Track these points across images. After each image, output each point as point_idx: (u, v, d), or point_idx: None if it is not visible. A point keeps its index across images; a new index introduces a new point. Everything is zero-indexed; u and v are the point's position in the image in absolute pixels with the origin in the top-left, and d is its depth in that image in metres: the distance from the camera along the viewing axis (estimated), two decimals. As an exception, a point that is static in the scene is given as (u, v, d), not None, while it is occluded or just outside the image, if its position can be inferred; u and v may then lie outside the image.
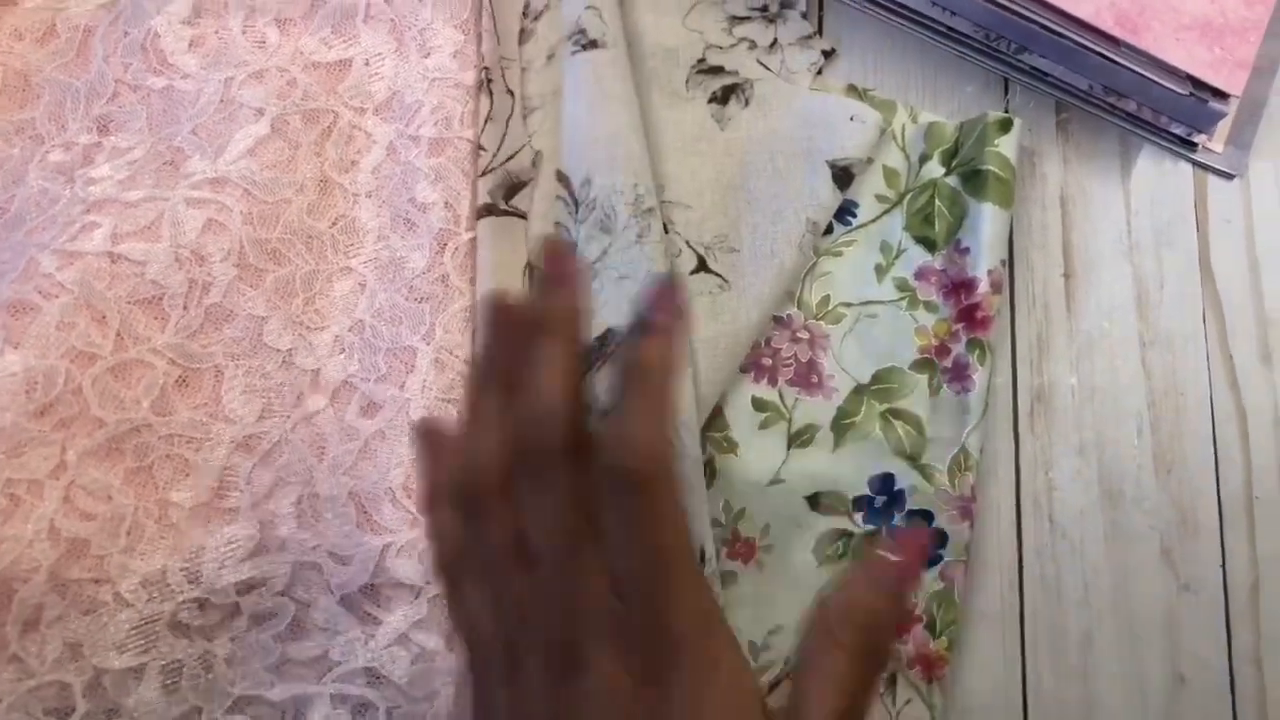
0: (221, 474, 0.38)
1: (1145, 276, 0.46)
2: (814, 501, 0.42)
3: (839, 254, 0.45)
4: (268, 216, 0.40)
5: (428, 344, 0.40)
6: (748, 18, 0.48)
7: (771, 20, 0.48)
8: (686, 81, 0.47)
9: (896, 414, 0.43)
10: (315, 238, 0.41)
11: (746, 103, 0.46)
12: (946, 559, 0.41)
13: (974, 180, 0.44)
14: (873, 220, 0.45)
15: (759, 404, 0.43)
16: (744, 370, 0.43)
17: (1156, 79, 0.45)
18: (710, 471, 0.42)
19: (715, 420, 0.43)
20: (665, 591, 0.29)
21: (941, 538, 0.41)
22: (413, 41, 0.43)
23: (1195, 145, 0.48)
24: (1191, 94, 0.45)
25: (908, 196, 0.46)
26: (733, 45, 0.47)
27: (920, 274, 0.44)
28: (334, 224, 0.41)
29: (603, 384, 0.31)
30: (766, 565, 0.42)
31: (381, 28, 0.43)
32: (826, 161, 0.45)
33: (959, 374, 0.43)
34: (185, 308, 0.38)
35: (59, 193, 0.40)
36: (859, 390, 0.43)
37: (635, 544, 0.29)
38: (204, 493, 0.37)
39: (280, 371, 0.39)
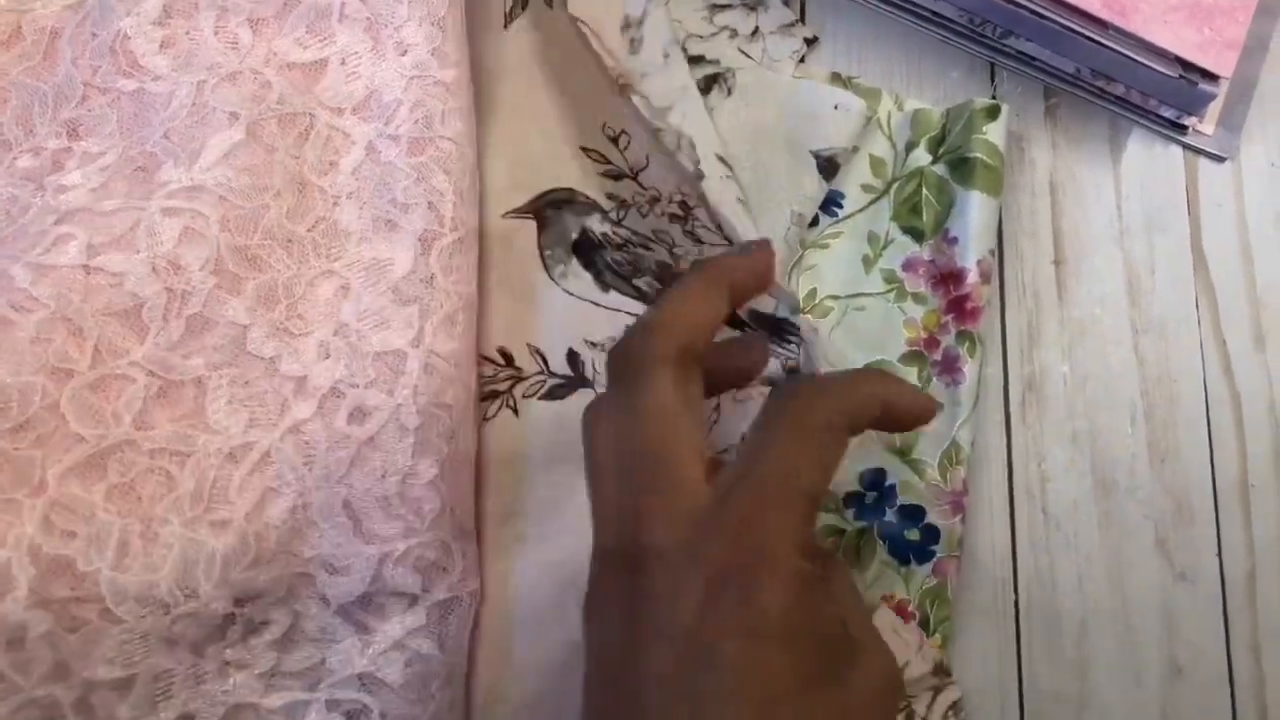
0: (210, 487, 0.37)
1: (1136, 262, 0.46)
2: (805, 498, 0.42)
3: (825, 246, 0.45)
4: (245, 222, 0.39)
5: (416, 348, 0.39)
6: (728, 5, 0.47)
7: (753, 8, 0.47)
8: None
9: (887, 408, 0.42)
10: (295, 242, 0.40)
11: (729, 92, 0.46)
12: (939, 554, 0.41)
13: (961, 168, 0.44)
14: (859, 211, 0.45)
15: (748, 401, 0.43)
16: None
17: (1145, 61, 0.44)
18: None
19: (705, 418, 0.42)
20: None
21: (934, 533, 0.41)
22: (389, 39, 0.42)
23: (1185, 128, 0.47)
24: (1181, 76, 0.44)
25: (894, 186, 0.45)
26: (714, 34, 0.47)
27: (908, 265, 0.44)
28: (314, 227, 0.40)
29: None
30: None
31: (357, 26, 0.42)
32: (811, 151, 0.44)
33: (949, 366, 0.42)
34: (165, 319, 0.38)
35: (29, 201, 0.39)
36: (849, 384, 0.43)
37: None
38: (192, 506, 0.37)
39: (265, 380, 0.38)
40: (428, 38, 0.42)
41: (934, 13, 0.47)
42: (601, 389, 0.42)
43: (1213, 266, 0.46)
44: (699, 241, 0.43)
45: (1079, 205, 0.46)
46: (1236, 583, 0.43)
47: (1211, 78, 0.44)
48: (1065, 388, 0.44)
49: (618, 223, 0.44)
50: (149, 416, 0.37)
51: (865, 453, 0.42)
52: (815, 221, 0.45)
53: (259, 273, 0.39)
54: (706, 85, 0.46)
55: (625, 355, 0.31)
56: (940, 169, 0.44)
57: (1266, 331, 0.45)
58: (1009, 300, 0.45)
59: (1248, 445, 0.44)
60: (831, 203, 0.45)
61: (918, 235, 0.44)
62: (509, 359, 0.42)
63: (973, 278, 0.42)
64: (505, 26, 0.46)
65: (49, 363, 0.36)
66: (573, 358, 0.42)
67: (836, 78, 0.47)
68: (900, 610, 0.40)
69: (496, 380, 0.42)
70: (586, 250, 0.43)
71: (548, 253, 0.43)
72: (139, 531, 0.36)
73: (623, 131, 0.45)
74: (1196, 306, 0.46)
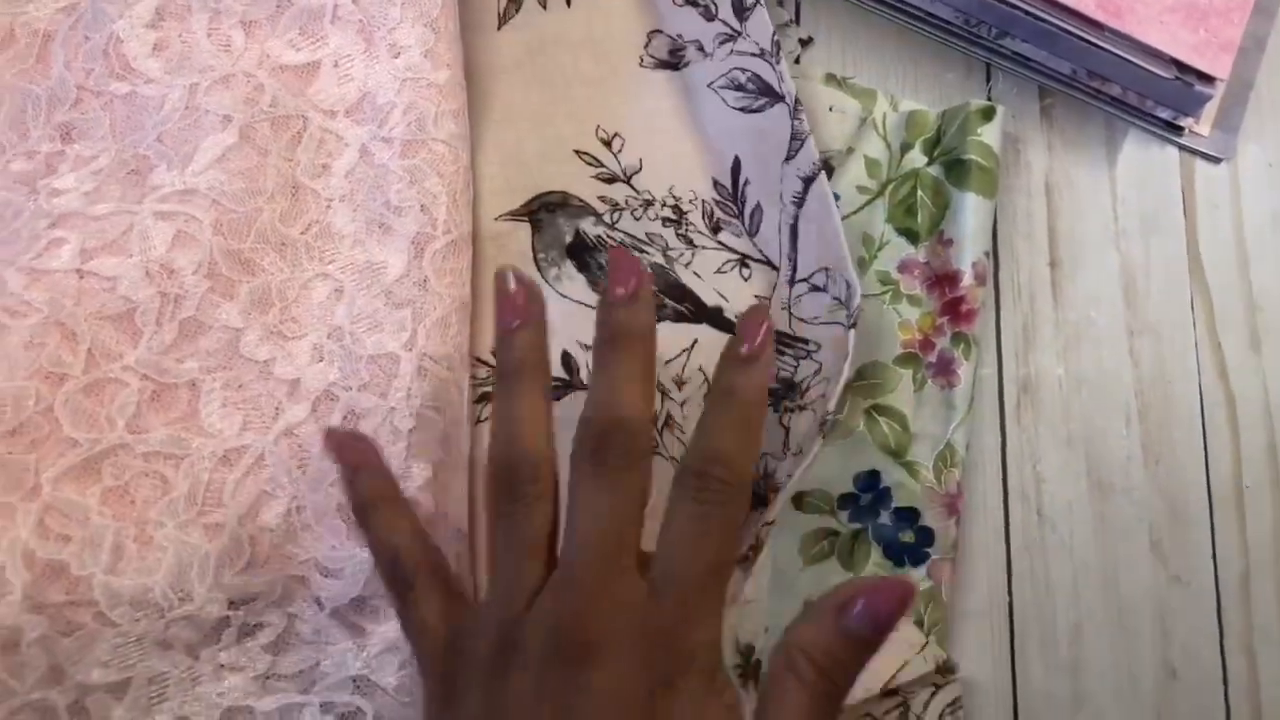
0: (204, 490, 0.37)
1: (1132, 264, 0.46)
2: (797, 500, 0.42)
3: (821, 247, 0.44)
4: (238, 226, 0.39)
5: (409, 351, 0.39)
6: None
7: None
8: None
9: (881, 410, 0.42)
10: (288, 245, 0.40)
11: (725, 95, 0.46)
12: (934, 557, 0.41)
13: (956, 170, 0.44)
14: (854, 212, 0.45)
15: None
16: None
17: (1140, 63, 0.44)
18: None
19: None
20: (704, 605, 0.31)
21: (928, 535, 0.41)
22: (382, 41, 0.42)
23: (1182, 129, 0.47)
24: (1176, 78, 0.44)
25: (889, 187, 0.45)
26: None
27: (903, 267, 0.44)
28: (307, 230, 0.40)
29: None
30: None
31: (350, 28, 0.42)
32: (806, 154, 0.44)
33: (944, 369, 0.42)
34: (158, 323, 0.38)
35: (22, 204, 0.39)
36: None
37: (699, 551, 0.31)
38: (186, 509, 0.37)
39: (259, 383, 0.38)
40: (421, 39, 0.42)
41: (929, 14, 0.47)
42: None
43: (1208, 269, 0.46)
44: (692, 244, 0.43)
45: (1074, 207, 0.46)
46: (1231, 585, 0.43)
47: (1207, 79, 0.44)
48: (1060, 390, 0.44)
49: (611, 225, 0.44)
50: (142, 420, 0.37)
51: (860, 455, 0.42)
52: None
53: (252, 276, 0.39)
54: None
55: None
56: (935, 171, 0.44)
57: (1262, 334, 0.45)
58: (1004, 302, 0.45)
59: (1243, 447, 0.44)
60: (826, 204, 0.45)
61: (913, 237, 0.44)
62: (503, 362, 0.42)
63: (968, 280, 0.42)
64: (499, 27, 0.46)
65: (42, 367, 0.36)
66: (566, 360, 0.42)
67: (831, 78, 0.46)
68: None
69: (490, 383, 0.42)
70: (580, 253, 0.43)
71: (541, 255, 0.43)
72: (133, 535, 0.36)
73: (616, 134, 0.45)
74: (1192, 308, 0.46)
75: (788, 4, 0.48)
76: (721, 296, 0.43)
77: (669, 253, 0.43)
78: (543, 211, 0.44)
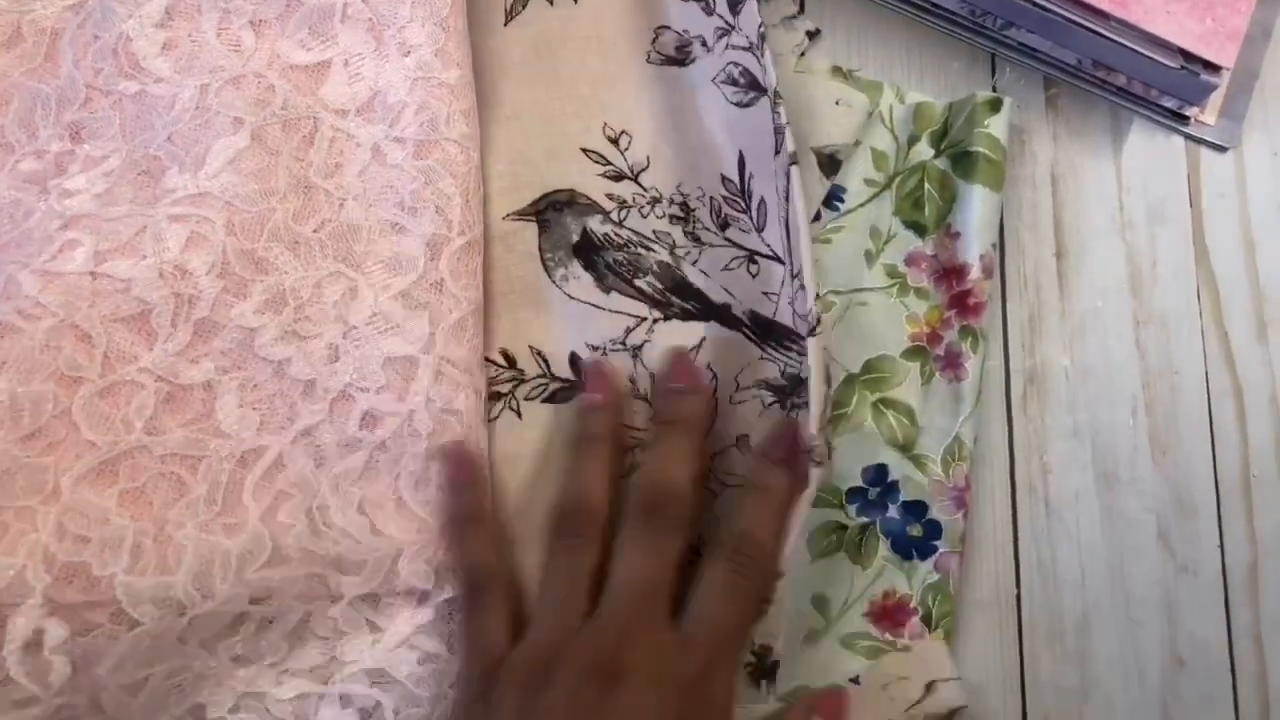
0: (223, 491, 0.37)
1: (1138, 254, 0.46)
2: (808, 494, 0.42)
3: (828, 241, 0.45)
4: (251, 226, 0.39)
5: (427, 354, 0.39)
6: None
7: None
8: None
9: (888, 403, 0.43)
10: (302, 243, 0.40)
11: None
12: (941, 549, 0.41)
13: (963, 162, 0.44)
14: (861, 205, 0.45)
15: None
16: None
17: (1146, 52, 0.44)
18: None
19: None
20: (727, 655, 0.36)
21: (936, 528, 0.41)
22: (392, 40, 0.42)
23: (1187, 118, 0.47)
24: (1183, 67, 0.44)
25: (896, 180, 0.45)
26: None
27: (910, 260, 0.44)
28: (320, 228, 0.40)
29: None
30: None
31: (360, 27, 0.42)
32: (812, 149, 0.44)
33: (951, 362, 0.43)
34: (172, 324, 0.38)
35: (33, 205, 0.39)
36: (850, 380, 0.43)
37: (727, 611, 0.36)
38: (206, 510, 0.37)
39: (274, 382, 0.39)
40: (431, 38, 0.42)
41: (935, 4, 0.47)
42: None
43: (1214, 258, 0.46)
44: (699, 242, 0.43)
45: (1080, 197, 0.46)
46: (1238, 574, 0.43)
47: (1213, 68, 0.44)
48: (1067, 381, 0.45)
49: (619, 224, 0.44)
50: (159, 422, 0.37)
51: (868, 449, 0.42)
52: (818, 217, 0.45)
53: (265, 275, 0.39)
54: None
55: None
56: (942, 163, 0.44)
57: (1269, 322, 0.45)
58: (1010, 293, 0.45)
59: (1250, 437, 0.44)
60: (833, 197, 0.45)
61: (920, 230, 0.44)
62: (511, 361, 0.42)
63: (975, 273, 0.43)
64: (505, 24, 0.46)
65: (59, 370, 0.37)
66: (574, 361, 0.43)
67: (838, 71, 0.47)
68: (901, 607, 0.41)
69: (499, 381, 0.42)
70: (587, 251, 0.43)
71: (548, 256, 0.43)
72: (152, 535, 0.36)
73: (623, 132, 0.45)
74: (1198, 298, 0.46)
75: (794, -4, 0.48)
76: (729, 294, 0.43)
77: (676, 251, 0.43)
78: (550, 211, 0.44)
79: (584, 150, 0.44)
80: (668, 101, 0.45)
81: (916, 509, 0.42)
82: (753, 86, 0.43)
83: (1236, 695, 0.42)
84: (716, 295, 0.43)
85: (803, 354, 0.40)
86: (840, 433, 0.42)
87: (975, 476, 0.43)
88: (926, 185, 0.44)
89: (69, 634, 0.35)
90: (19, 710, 0.35)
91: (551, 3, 0.46)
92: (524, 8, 0.46)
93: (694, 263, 0.43)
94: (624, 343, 0.42)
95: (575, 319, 0.43)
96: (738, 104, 0.43)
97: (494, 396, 0.42)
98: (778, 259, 0.43)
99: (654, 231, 0.44)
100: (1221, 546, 0.43)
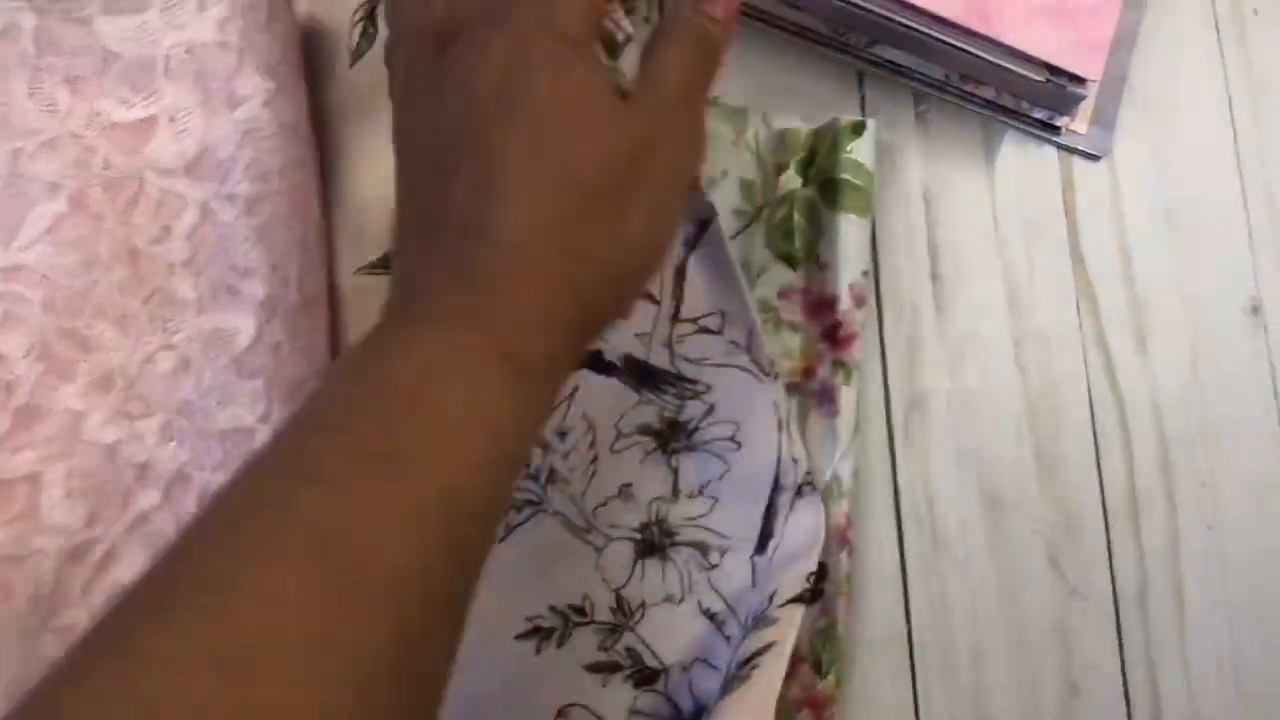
0: (52, 590, 0.35)
1: (1015, 270, 0.45)
2: (690, 543, 0.41)
3: (700, 275, 0.43)
4: (73, 301, 0.37)
5: (265, 423, 0.37)
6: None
7: (616, 25, 0.45)
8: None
9: (768, 444, 0.41)
10: (129, 317, 0.37)
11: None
12: (827, 593, 0.40)
13: (830, 190, 0.42)
14: (732, 237, 0.43)
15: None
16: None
17: (1011, 67, 0.43)
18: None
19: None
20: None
21: (821, 571, 0.40)
22: (220, 92, 0.39)
23: (1059, 129, 0.46)
24: (1048, 80, 0.43)
25: (765, 211, 0.44)
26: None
27: (783, 293, 0.43)
28: (149, 299, 0.38)
29: None
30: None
31: (185, 79, 0.39)
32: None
33: (825, 398, 0.41)
34: (-12, 414, 0.35)
35: None
36: (729, 421, 0.42)
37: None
38: (33, 613, 0.34)
39: (105, 469, 0.36)
40: (260, 89, 0.39)
41: (800, 25, 0.45)
42: None
43: (1091, 268, 0.45)
44: None
45: (954, 216, 0.45)
46: (1129, 595, 0.42)
47: (1079, 80, 0.43)
48: (948, 406, 0.44)
49: None
50: (-23, 522, 0.35)
51: (749, 490, 0.41)
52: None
53: (90, 354, 0.37)
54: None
55: None
56: (810, 192, 0.43)
57: (1148, 332, 0.45)
58: (887, 319, 0.44)
59: (1134, 450, 0.44)
60: (703, 230, 0.43)
61: (791, 262, 0.43)
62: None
63: (845, 303, 0.41)
64: (351, 65, 0.44)
65: None
66: None
67: (702, 97, 0.45)
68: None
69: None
70: None
71: None
72: (-22, 643, 0.34)
73: None
74: (1078, 311, 0.45)
75: (654, 18, 0.46)
76: (599, 338, 0.41)
77: None
78: (400, 263, 0.42)
79: None
80: None
81: (798, 552, 0.40)
82: None
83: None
84: None
85: (683, 396, 0.39)
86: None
87: (859, 511, 0.42)
88: (796, 215, 0.43)
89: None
90: None
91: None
92: (369, 46, 0.44)
93: None
94: None
95: None
96: None
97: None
98: (651, 298, 0.41)
99: None
100: (1111, 567, 0.42)
